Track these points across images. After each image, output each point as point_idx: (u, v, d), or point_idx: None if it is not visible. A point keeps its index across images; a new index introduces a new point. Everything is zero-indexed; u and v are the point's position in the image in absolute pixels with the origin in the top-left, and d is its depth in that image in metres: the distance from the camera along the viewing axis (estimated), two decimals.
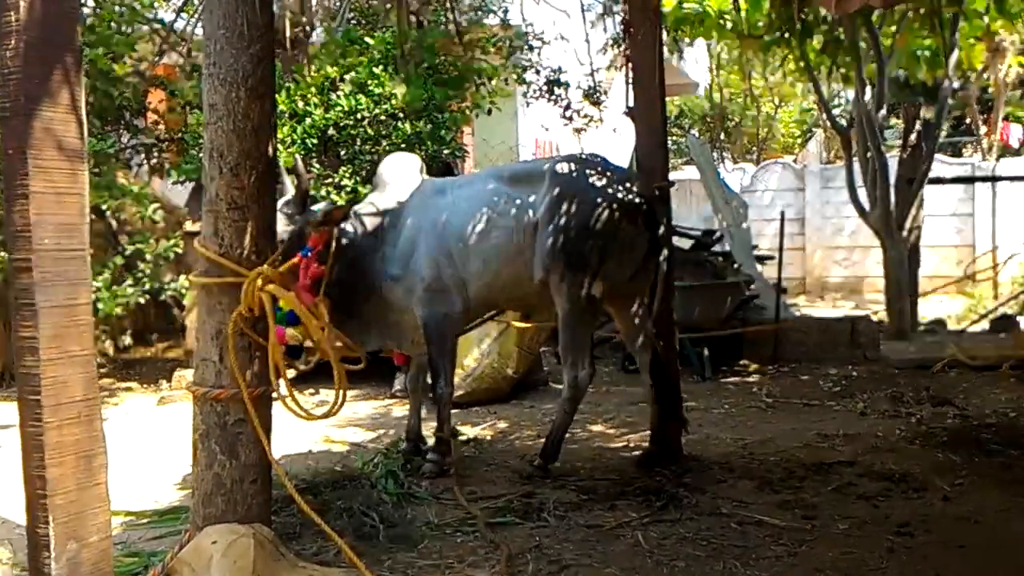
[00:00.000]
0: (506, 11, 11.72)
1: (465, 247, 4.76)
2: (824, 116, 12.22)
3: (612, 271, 4.68)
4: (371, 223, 4.95)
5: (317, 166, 8.14)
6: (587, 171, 4.75)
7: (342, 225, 4.85)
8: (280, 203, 4.70)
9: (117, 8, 8.88)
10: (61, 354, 2.68)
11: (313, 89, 8.29)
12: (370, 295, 4.93)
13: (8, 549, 3.94)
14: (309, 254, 4.62)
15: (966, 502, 4.24)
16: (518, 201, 4.74)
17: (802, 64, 9.97)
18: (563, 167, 4.75)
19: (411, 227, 4.88)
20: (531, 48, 11.51)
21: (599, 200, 4.63)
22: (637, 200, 4.71)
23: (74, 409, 2.72)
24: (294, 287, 4.52)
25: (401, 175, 5.13)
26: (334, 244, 4.73)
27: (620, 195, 4.67)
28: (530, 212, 4.69)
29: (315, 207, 4.84)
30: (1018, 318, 10.88)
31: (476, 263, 4.76)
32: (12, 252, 2.66)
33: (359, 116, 8.09)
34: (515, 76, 11.43)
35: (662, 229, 4.83)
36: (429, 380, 5.05)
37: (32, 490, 2.68)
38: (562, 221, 4.59)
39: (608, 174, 4.77)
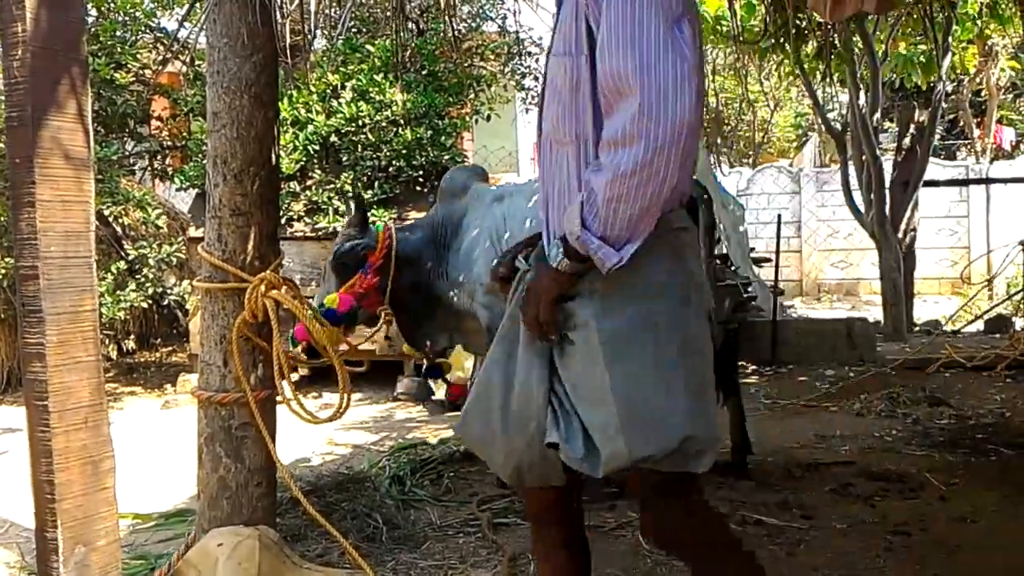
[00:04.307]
0: (504, 18, 11.77)
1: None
2: (819, 120, 12.25)
3: None
4: (433, 233, 5.00)
5: (319, 172, 8.20)
6: None
7: (403, 236, 4.92)
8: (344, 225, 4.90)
9: (120, 17, 8.96)
10: (68, 360, 2.70)
11: (315, 96, 8.37)
12: (437, 300, 4.95)
13: (16, 553, 3.98)
14: (368, 271, 4.72)
15: (962, 502, 4.26)
16: None
17: (797, 69, 10.02)
18: None
19: (471, 234, 4.88)
20: (529, 54, 11.55)
21: None
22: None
23: (81, 414, 2.74)
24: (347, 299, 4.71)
25: (460, 187, 5.13)
26: (394, 256, 4.78)
27: None
28: None
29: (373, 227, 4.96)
30: (1014, 318, 10.93)
31: None
32: (19, 259, 2.68)
33: (360, 123, 8.17)
34: (514, 82, 11.49)
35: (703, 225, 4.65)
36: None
37: (40, 495, 2.70)
38: None
39: None
